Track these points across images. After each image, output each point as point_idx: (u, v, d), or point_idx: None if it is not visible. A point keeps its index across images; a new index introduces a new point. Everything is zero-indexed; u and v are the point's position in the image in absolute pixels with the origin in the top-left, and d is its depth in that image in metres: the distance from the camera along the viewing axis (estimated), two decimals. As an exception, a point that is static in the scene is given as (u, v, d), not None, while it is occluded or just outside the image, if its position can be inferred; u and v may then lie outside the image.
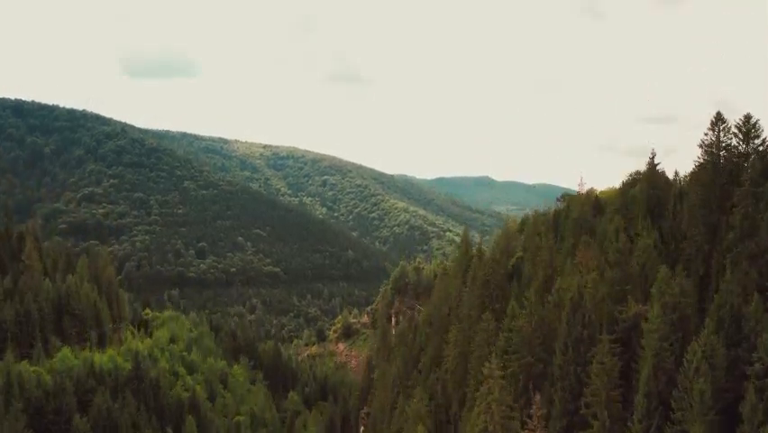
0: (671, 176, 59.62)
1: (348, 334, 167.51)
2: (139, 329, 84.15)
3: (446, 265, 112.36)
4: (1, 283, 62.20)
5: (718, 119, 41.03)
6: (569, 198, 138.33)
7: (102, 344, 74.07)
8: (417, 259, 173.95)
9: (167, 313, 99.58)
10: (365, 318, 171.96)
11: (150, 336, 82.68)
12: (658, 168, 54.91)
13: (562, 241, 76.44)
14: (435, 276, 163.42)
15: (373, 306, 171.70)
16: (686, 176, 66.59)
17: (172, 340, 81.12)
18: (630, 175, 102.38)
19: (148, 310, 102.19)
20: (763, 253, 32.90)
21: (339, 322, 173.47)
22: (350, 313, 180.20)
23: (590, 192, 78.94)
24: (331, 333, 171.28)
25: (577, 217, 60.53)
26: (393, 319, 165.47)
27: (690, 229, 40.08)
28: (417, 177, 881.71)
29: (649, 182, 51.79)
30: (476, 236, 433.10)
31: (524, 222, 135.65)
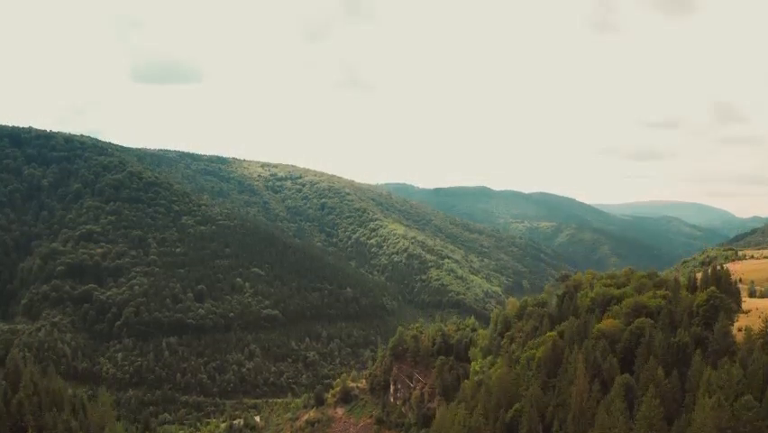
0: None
1: (346, 399, 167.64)
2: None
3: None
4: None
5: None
6: (569, 282, 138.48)
7: None
8: (416, 325, 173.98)
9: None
10: (362, 383, 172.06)
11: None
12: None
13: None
14: (434, 343, 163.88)
15: (372, 369, 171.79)
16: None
17: None
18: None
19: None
20: None
21: (337, 385, 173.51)
22: (348, 375, 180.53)
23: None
24: (329, 397, 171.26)
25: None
26: (392, 387, 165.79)
27: None
28: (416, 186, 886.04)
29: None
30: (474, 261, 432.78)
31: (522, 307, 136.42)
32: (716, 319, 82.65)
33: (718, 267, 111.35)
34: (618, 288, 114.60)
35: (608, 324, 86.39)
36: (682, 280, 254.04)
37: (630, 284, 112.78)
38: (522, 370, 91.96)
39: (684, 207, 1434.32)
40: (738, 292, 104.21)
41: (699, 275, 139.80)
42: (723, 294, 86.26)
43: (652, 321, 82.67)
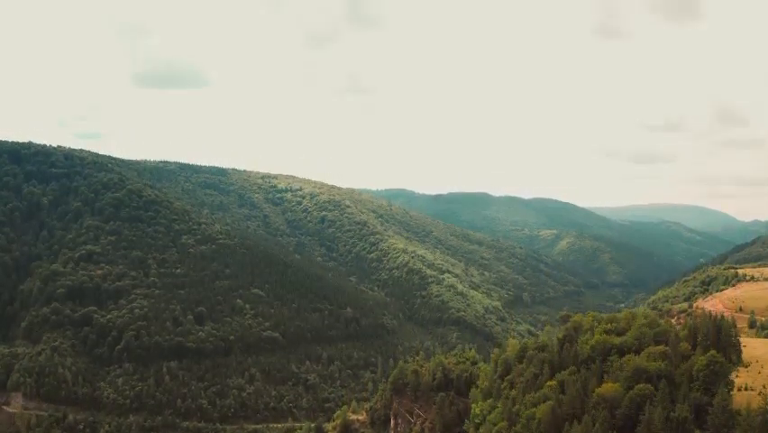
0: None
1: None
2: None
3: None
4: None
5: None
6: (569, 324, 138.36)
7: None
8: (417, 358, 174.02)
9: None
10: (363, 415, 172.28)
11: None
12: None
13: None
14: (434, 378, 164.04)
15: (372, 403, 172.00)
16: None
17: None
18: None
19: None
20: None
21: (338, 418, 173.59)
22: (348, 406, 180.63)
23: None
24: (330, 430, 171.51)
25: None
26: (392, 421, 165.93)
27: None
28: (417, 192, 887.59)
29: None
30: (475, 275, 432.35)
31: (523, 349, 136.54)
32: (716, 384, 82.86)
33: (719, 316, 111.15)
34: (619, 335, 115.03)
35: (608, 388, 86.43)
36: (683, 303, 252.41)
37: (631, 332, 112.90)
38: (522, 429, 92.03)
39: (685, 210, 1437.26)
40: (739, 344, 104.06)
41: (699, 314, 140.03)
42: (723, 358, 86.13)
43: (652, 387, 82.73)
